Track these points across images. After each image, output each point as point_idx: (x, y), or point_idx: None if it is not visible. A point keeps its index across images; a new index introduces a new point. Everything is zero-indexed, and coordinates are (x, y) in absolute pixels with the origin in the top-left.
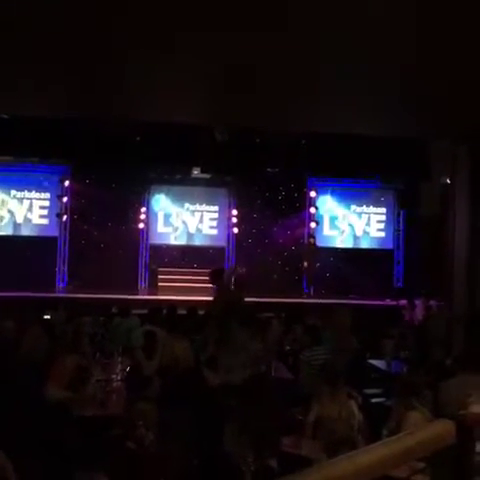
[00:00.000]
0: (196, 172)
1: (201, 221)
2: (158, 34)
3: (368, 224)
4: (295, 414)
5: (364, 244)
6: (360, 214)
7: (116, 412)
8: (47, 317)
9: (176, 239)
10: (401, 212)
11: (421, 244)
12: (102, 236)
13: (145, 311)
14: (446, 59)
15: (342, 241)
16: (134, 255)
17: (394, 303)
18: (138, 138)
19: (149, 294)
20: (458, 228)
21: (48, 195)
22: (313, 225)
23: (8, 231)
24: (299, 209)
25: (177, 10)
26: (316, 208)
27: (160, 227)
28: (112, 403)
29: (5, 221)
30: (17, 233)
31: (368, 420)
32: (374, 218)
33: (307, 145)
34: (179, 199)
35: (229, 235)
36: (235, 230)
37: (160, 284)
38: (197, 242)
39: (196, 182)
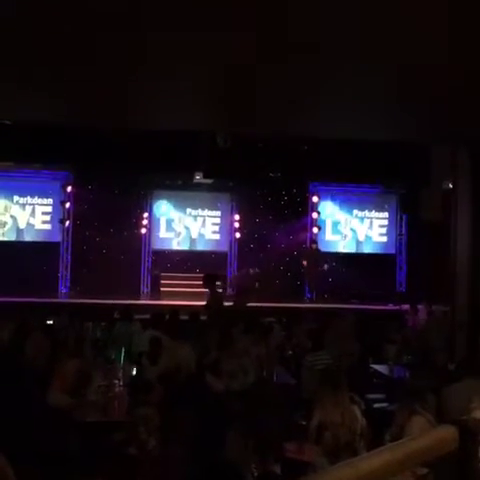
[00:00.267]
0: (198, 177)
1: (203, 226)
2: (159, 41)
3: (370, 229)
4: (298, 419)
5: (366, 249)
6: (362, 219)
7: (118, 417)
8: (49, 322)
9: (178, 244)
10: (403, 217)
11: (424, 249)
12: (104, 241)
13: (147, 316)
14: (446, 63)
15: (344, 246)
16: (136, 260)
17: (397, 308)
18: (140, 143)
19: (151, 299)
20: (460, 233)
21: (51, 201)
22: (315, 230)
23: (11, 237)
24: (301, 214)
25: (178, 16)
26: (318, 213)
27: (162, 232)
28: (114, 408)
29: (8, 227)
30: (20, 239)
31: (371, 425)
32: (376, 223)
33: (309, 150)
34: (181, 204)
35: (231, 240)
36: (237, 235)
37: (162, 289)
38: (199, 247)
39: (198, 187)
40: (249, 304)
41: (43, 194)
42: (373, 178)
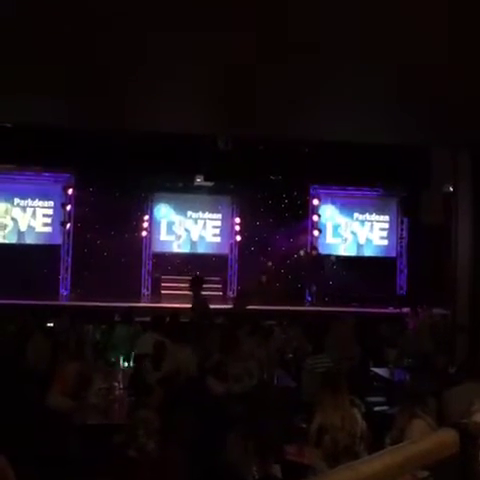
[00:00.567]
0: (199, 180)
1: (204, 229)
2: (159, 45)
3: (371, 232)
4: (298, 422)
5: (367, 252)
6: (363, 222)
7: (118, 420)
8: (50, 325)
9: (179, 247)
10: (404, 220)
11: (424, 252)
12: (105, 244)
13: (148, 319)
14: (446, 63)
15: (345, 249)
16: (137, 263)
17: (397, 311)
18: (141, 146)
19: (152, 302)
20: (461, 236)
21: (51, 203)
22: (316, 233)
23: (12, 239)
24: (302, 217)
25: (178, 16)
26: (319, 216)
27: (163, 235)
28: (114, 411)
29: (9, 229)
30: (21, 241)
31: (371, 428)
32: (377, 226)
33: (310, 153)
34: (182, 207)
35: (232, 243)
36: (238, 238)
37: (163, 292)
38: (200, 250)
39: (199, 190)
40: (249, 307)
41: (44, 196)
42: (374, 181)
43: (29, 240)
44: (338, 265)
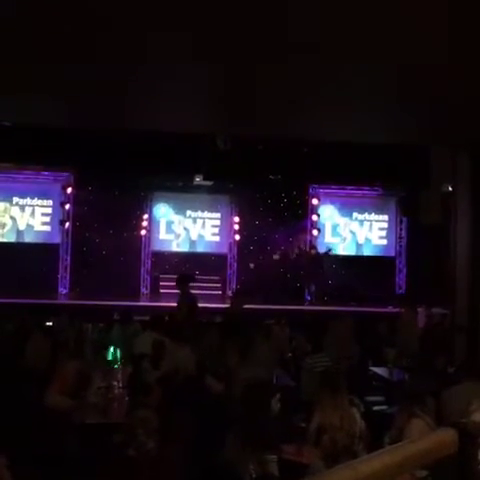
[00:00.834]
0: (198, 179)
1: (203, 228)
2: (160, 44)
3: (370, 231)
4: (297, 422)
5: (366, 251)
6: (362, 221)
7: (117, 419)
8: (49, 324)
9: (178, 246)
10: (403, 219)
11: (423, 251)
12: (104, 243)
13: (147, 318)
14: (446, 63)
15: (344, 248)
16: (136, 262)
17: (396, 310)
18: (140, 145)
19: (151, 301)
20: (460, 236)
21: (50, 202)
22: (315, 233)
23: (11, 238)
24: (301, 216)
25: (178, 16)
26: (318, 215)
27: (162, 234)
28: (113, 410)
29: (7, 228)
30: (19, 240)
31: (370, 428)
32: (376, 225)
33: (309, 153)
34: (181, 206)
35: (231, 242)
36: (237, 237)
37: (162, 291)
38: (199, 249)
39: (198, 189)
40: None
41: (43, 195)
42: (373, 181)
43: (28, 239)
44: (337, 264)
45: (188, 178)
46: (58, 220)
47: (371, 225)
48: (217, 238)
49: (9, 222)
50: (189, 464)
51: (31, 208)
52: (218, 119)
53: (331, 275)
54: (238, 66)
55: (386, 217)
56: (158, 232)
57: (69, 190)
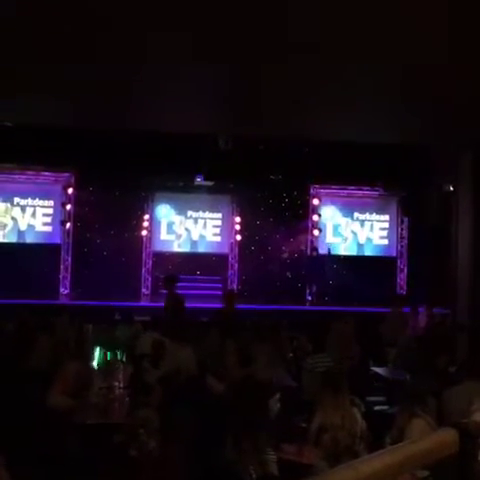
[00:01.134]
0: (199, 179)
1: (204, 228)
2: (161, 45)
3: (371, 232)
4: (298, 422)
5: (367, 252)
6: (363, 222)
7: (118, 419)
8: (50, 324)
9: (179, 246)
10: (404, 219)
11: (424, 251)
12: (105, 243)
13: (148, 318)
14: (446, 63)
15: (345, 249)
16: (137, 262)
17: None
18: (142, 145)
19: (152, 301)
20: (461, 236)
21: (52, 202)
22: (316, 233)
23: (12, 238)
24: (302, 217)
25: (179, 16)
26: (319, 216)
27: (163, 234)
28: (114, 410)
29: (8, 228)
30: (20, 240)
31: (371, 428)
32: (377, 225)
33: (310, 153)
34: (182, 206)
35: (232, 242)
36: (238, 237)
37: (163, 291)
38: (200, 249)
39: (199, 189)
40: (247, 307)
41: (44, 196)
42: (374, 181)
43: (29, 239)
44: (338, 265)
45: (189, 178)
46: (59, 220)
47: (372, 225)
48: (218, 238)
49: (10, 223)
50: (190, 464)
51: (32, 209)
52: (221, 119)
53: (332, 275)
54: (241, 66)
55: (387, 217)
56: (159, 232)
57: (70, 190)
